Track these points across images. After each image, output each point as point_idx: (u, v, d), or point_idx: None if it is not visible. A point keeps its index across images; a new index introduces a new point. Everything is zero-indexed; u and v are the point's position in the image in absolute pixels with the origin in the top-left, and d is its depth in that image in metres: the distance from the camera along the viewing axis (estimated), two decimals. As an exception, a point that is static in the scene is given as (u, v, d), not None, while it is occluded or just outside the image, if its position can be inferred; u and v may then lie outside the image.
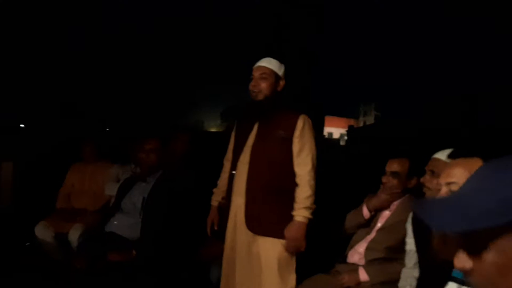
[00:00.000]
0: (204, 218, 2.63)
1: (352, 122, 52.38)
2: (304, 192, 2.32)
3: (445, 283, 1.52)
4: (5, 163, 4.41)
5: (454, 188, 1.38)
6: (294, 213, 2.31)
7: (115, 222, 2.74)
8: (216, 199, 2.62)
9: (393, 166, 2.41)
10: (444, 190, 1.41)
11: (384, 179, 2.43)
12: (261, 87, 2.39)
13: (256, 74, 2.43)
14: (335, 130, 54.13)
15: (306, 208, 2.30)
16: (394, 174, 2.39)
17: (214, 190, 2.65)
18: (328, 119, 52.69)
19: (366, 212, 2.48)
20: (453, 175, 1.41)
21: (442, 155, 2.07)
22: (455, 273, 1.35)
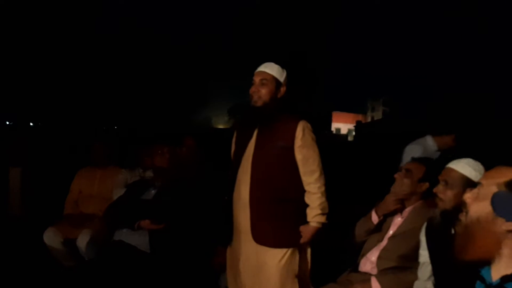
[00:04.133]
0: (215, 227, 2.63)
1: (360, 117, 52.13)
2: (317, 199, 2.34)
3: None
4: (13, 169, 4.41)
5: None
6: (310, 219, 2.35)
7: (124, 230, 2.70)
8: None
9: (409, 165, 2.37)
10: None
11: (396, 175, 2.38)
12: (260, 94, 2.37)
13: (256, 79, 2.40)
14: (342, 125, 53.96)
15: (322, 214, 2.34)
16: (408, 172, 2.33)
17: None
18: (335, 114, 52.55)
19: (374, 217, 2.44)
20: None
21: (456, 165, 2.02)
22: (483, 272, 1.30)
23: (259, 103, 2.37)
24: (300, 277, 2.39)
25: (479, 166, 1.98)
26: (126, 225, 2.68)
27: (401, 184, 2.34)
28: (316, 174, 2.34)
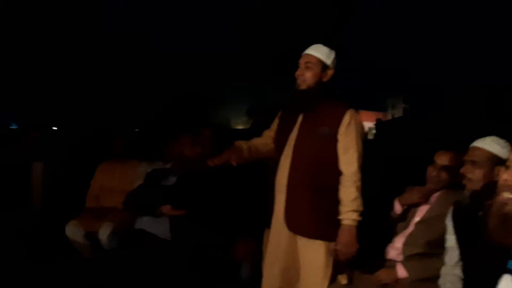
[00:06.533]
0: (236, 216, 2.60)
1: (379, 115, 51.59)
2: (350, 194, 2.19)
3: (498, 276, 1.42)
4: (35, 163, 4.48)
5: None
6: (342, 217, 2.19)
7: (145, 219, 2.71)
8: (242, 142, 2.45)
9: (445, 159, 2.29)
10: None
11: (433, 172, 2.31)
12: (305, 77, 2.28)
13: (302, 62, 2.31)
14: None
15: (354, 211, 2.18)
16: (445, 168, 2.27)
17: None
18: (355, 113, 51.86)
19: (398, 207, 2.38)
20: None
21: (482, 143, 1.95)
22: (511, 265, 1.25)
23: (303, 86, 2.28)
24: (335, 267, 2.29)
25: (505, 142, 1.92)
26: (147, 212, 2.68)
27: (440, 181, 2.28)
28: (354, 167, 2.21)
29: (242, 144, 2.45)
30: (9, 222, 3.47)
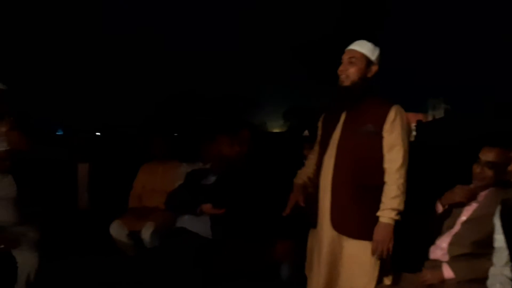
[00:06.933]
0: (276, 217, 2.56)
1: (420, 116, 50.34)
2: (391, 192, 2.13)
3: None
4: (81, 164, 4.66)
5: None
6: (380, 213, 2.14)
7: (186, 217, 2.76)
8: (300, 177, 2.46)
9: (490, 155, 2.20)
10: None
11: (477, 169, 2.23)
12: (348, 72, 2.23)
13: (345, 57, 2.27)
14: (402, 125, 52.09)
15: (393, 209, 2.11)
16: (489, 164, 2.18)
17: (299, 171, 2.51)
18: (394, 114, 50.77)
19: (439, 208, 2.31)
20: None
21: None
22: None
23: (347, 83, 2.23)
24: (381, 268, 2.22)
25: None
26: (188, 210, 2.72)
27: (485, 178, 2.19)
28: (398, 164, 2.14)
29: (303, 179, 2.45)
30: (56, 221, 3.60)
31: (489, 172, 2.18)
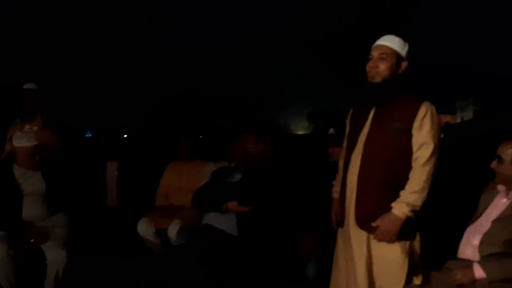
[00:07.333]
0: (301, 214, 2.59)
1: (448, 118, 49.32)
2: (411, 187, 2.07)
3: None
4: (110, 163, 4.75)
5: None
6: (394, 204, 2.07)
7: (212, 214, 2.78)
8: (336, 190, 2.44)
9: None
10: None
11: (493, 165, 2.18)
12: (379, 69, 2.16)
13: (374, 54, 2.19)
14: (429, 127, 51.19)
15: (408, 204, 2.05)
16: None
17: (334, 182, 2.50)
18: (421, 116, 49.94)
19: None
20: None
21: None
22: None
23: (377, 80, 2.16)
24: (410, 268, 2.16)
25: None
26: (213, 208, 2.74)
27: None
28: (423, 161, 2.07)
29: (339, 192, 2.42)
30: (85, 219, 3.67)
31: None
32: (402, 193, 2.09)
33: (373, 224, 2.10)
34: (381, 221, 2.09)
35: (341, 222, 2.31)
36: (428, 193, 2.08)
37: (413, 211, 2.06)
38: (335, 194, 2.45)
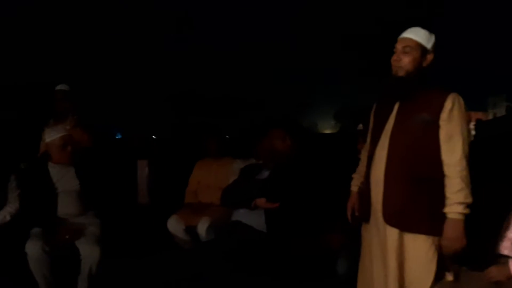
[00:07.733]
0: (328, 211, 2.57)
1: (480, 115, 48.02)
2: (455, 185, 2.03)
3: None
4: (141, 161, 4.85)
5: None
6: (447, 209, 2.04)
7: (242, 211, 2.80)
8: (355, 183, 2.45)
9: None
10: None
11: None
12: (402, 62, 2.14)
13: (399, 46, 2.17)
14: (460, 125, 49.97)
15: (460, 203, 2.01)
16: None
17: (353, 175, 2.50)
18: (452, 113, 48.78)
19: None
20: None
21: None
22: None
23: (401, 73, 2.14)
24: (441, 264, 2.14)
25: None
26: (242, 205, 2.76)
27: None
28: (458, 155, 2.03)
29: (358, 185, 2.47)
30: (117, 216, 3.75)
31: None
32: (449, 195, 2.05)
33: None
34: (444, 232, 2.05)
35: (365, 217, 2.29)
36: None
37: (468, 207, 2.03)
38: (354, 188, 2.45)
